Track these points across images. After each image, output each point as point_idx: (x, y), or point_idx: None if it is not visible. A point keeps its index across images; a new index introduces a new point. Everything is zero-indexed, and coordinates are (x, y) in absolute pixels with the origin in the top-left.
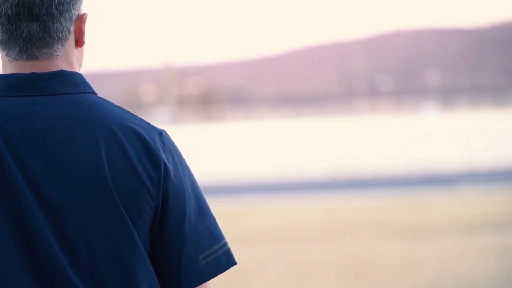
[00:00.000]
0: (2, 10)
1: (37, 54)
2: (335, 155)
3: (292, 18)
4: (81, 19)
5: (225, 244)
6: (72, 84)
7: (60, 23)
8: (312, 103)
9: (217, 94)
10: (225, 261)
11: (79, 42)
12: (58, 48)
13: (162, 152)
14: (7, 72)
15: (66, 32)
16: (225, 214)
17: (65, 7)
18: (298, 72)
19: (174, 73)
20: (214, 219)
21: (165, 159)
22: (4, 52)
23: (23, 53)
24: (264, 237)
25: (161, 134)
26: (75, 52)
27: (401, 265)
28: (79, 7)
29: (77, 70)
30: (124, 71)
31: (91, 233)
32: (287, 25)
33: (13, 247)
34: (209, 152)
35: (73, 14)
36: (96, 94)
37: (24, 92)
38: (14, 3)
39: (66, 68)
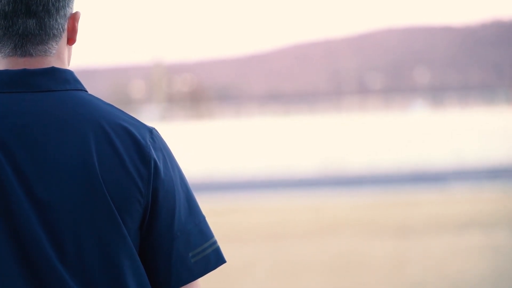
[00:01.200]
0: None
1: (31, 51)
2: (324, 153)
3: (281, 16)
4: (74, 17)
5: (215, 242)
6: (63, 81)
7: (56, 20)
8: (301, 101)
9: (206, 91)
10: (215, 259)
11: (70, 40)
12: (52, 45)
13: (152, 150)
14: (0, 68)
15: (61, 29)
16: (213, 212)
17: (61, 4)
18: (287, 69)
19: (163, 70)
20: (203, 218)
21: (155, 157)
22: None
23: (17, 50)
24: (252, 234)
25: (151, 132)
26: (66, 49)
27: (389, 263)
28: (72, 5)
29: (67, 68)
30: (114, 68)
31: (81, 230)
32: (277, 23)
33: (3, 244)
34: (198, 149)
35: (67, 12)
36: (87, 91)
37: (15, 89)
38: None
39: (58, 65)
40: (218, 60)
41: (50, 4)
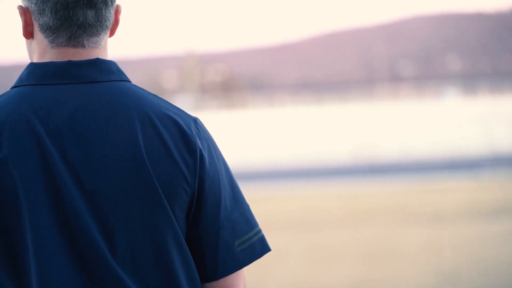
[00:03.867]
0: None
1: (84, 42)
2: (356, 141)
3: (312, 4)
4: (117, 9)
5: (260, 230)
6: (107, 72)
7: (110, 12)
8: (332, 89)
9: (238, 81)
10: (260, 247)
11: (111, 32)
12: (103, 37)
13: (198, 139)
14: (46, 59)
15: (112, 21)
16: (247, 200)
17: None
18: (318, 58)
19: (196, 60)
20: (248, 206)
21: (201, 146)
22: (49, 39)
23: (72, 40)
24: (285, 223)
25: (196, 121)
26: (108, 41)
27: (422, 250)
28: None
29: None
30: (146, 58)
31: (131, 219)
32: (308, 11)
33: (55, 234)
34: (230, 138)
35: (115, 4)
36: (130, 82)
37: (60, 80)
38: None
39: (103, 57)
40: (250, 49)
41: None
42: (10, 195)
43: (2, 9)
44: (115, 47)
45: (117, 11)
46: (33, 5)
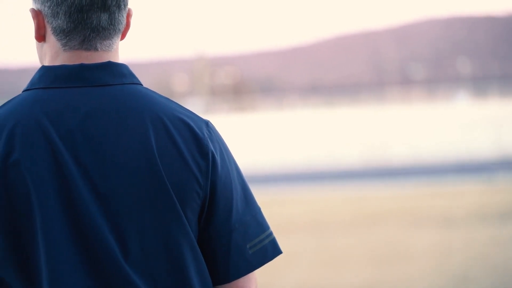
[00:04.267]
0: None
1: (97, 45)
2: (367, 144)
3: (323, 7)
4: (129, 13)
5: (271, 233)
6: (119, 75)
7: (122, 16)
8: (343, 92)
9: (248, 84)
10: (272, 250)
11: (122, 36)
12: (115, 40)
13: (210, 142)
14: (58, 63)
15: (124, 24)
16: None
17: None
18: (329, 61)
19: (206, 63)
20: (259, 209)
21: (213, 149)
22: (62, 42)
23: (85, 44)
24: (295, 225)
25: (207, 124)
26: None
27: (432, 253)
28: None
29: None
30: (157, 62)
31: (144, 221)
32: (318, 14)
33: (67, 237)
34: (241, 141)
35: (127, 8)
36: (142, 85)
37: (72, 83)
38: None
39: (114, 60)
40: (260, 52)
41: None
42: (22, 197)
43: (5, 12)
44: (126, 50)
45: (129, 15)
46: (46, 8)
